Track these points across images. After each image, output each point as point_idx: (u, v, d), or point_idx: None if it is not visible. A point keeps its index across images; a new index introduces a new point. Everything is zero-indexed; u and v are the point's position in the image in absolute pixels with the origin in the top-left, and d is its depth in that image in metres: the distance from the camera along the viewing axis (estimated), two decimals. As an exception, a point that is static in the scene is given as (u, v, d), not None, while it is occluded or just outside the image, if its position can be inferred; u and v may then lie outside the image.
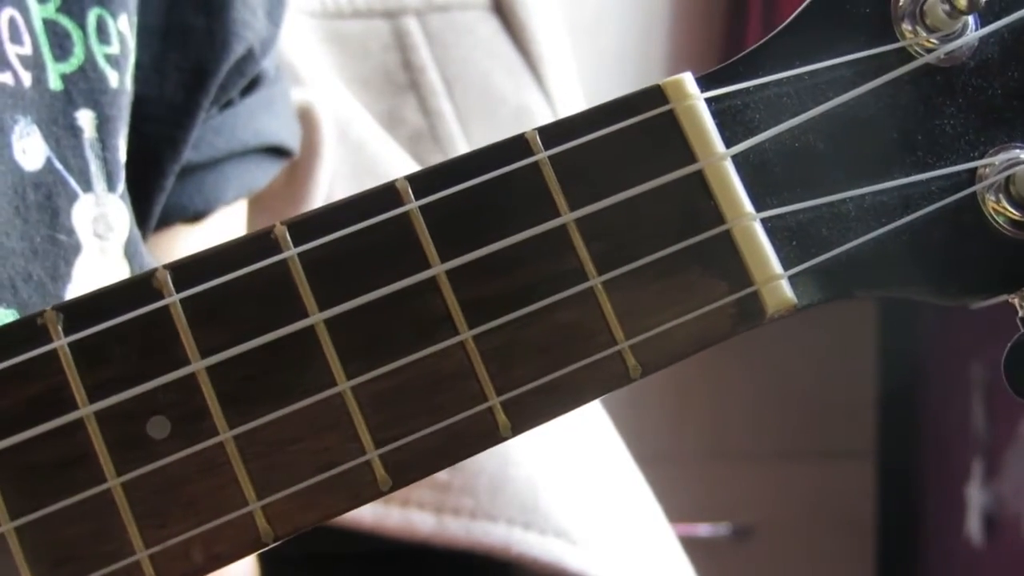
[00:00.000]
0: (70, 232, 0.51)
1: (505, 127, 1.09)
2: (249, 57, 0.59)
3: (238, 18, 0.58)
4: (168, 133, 0.56)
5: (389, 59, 1.07)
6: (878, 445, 1.96)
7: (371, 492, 0.33)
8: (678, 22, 1.46)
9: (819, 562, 1.95)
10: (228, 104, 0.62)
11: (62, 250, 0.50)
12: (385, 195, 0.34)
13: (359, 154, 0.97)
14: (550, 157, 0.34)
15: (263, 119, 0.63)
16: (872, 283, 0.35)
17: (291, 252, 0.33)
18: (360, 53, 1.06)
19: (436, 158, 1.04)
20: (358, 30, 1.06)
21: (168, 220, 0.58)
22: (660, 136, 0.35)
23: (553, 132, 0.35)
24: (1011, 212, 0.36)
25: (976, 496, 1.83)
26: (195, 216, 0.61)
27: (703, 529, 2.00)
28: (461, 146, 1.06)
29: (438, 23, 1.10)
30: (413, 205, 0.34)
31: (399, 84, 1.07)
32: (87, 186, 0.52)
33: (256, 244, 0.34)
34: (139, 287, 0.33)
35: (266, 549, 0.34)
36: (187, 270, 0.33)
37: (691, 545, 0.85)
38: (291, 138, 0.67)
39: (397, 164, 1.02)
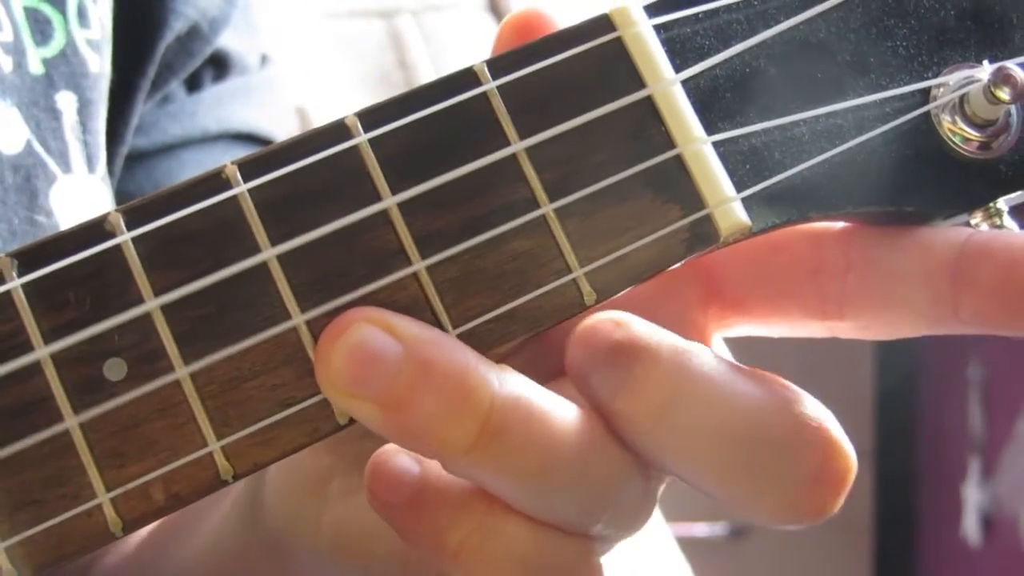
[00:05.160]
0: (49, 213, 0.51)
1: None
2: (194, 35, 0.59)
3: None
4: (107, 116, 0.56)
5: (385, 59, 1.07)
6: (875, 445, 1.95)
7: (329, 426, 0.33)
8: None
9: (815, 561, 1.94)
10: (196, 90, 0.62)
11: (41, 231, 0.51)
12: (335, 130, 0.34)
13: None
14: (498, 87, 0.34)
15: (233, 107, 0.63)
16: (827, 205, 0.35)
17: (241, 188, 0.33)
18: (356, 53, 1.06)
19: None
20: (354, 30, 1.07)
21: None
22: (608, 63, 0.35)
23: (501, 63, 0.35)
24: (967, 132, 0.36)
25: (973, 496, 1.83)
26: None
27: (700, 529, 1.99)
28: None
29: (433, 22, 1.10)
30: (362, 138, 0.34)
31: (395, 83, 1.07)
32: (67, 168, 0.52)
33: (207, 183, 0.34)
34: (92, 230, 0.33)
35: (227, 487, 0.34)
36: (139, 211, 0.33)
37: (688, 545, 0.85)
38: (275, 128, 0.66)
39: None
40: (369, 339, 0.32)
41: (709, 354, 0.35)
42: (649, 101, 0.35)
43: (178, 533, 0.51)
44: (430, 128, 0.34)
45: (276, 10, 0.98)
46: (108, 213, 0.33)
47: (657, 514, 0.79)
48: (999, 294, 0.34)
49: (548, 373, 0.38)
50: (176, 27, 0.58)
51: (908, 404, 1.96)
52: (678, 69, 0.35)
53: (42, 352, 0.32)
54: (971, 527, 1.80)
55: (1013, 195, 0.36)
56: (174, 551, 0.51)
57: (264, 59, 0.67)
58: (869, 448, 1.93)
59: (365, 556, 0.40)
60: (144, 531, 0.55)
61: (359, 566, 0.41)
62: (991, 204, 0.36)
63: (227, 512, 0.46)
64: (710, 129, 0.35)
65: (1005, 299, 0.34)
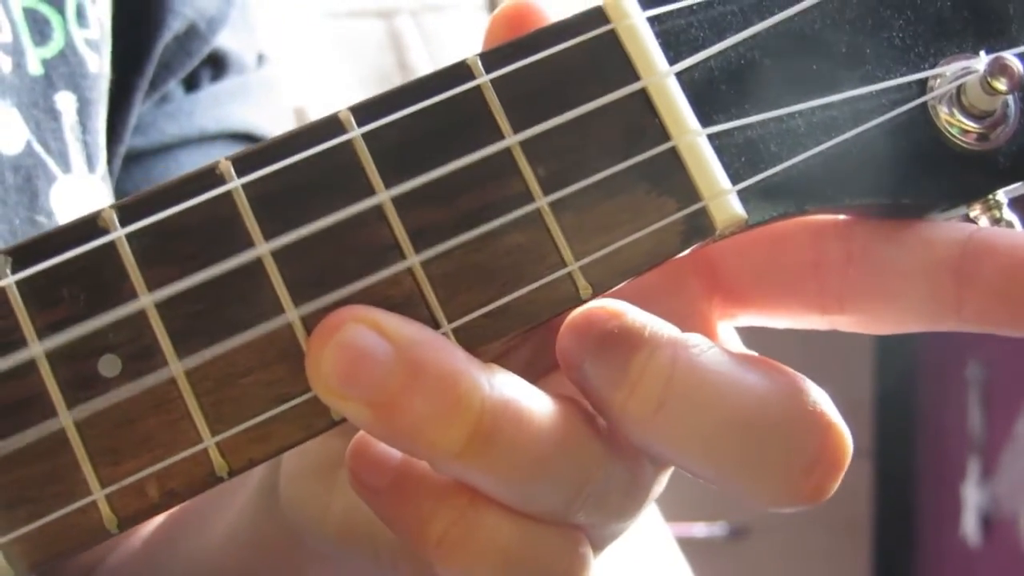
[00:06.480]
0: (49, 214, 0.51)
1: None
2: (192, 35, 0.59)
3: None
4: (106, 115, 0.56)
5: (384, 59, 1.07)
6: (875, 444, 1.94)
7: (324, 422, 0.33)
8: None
9: (815, 561, 1.94)
10: (194, 89, 0.62)
11: (41, 232, 0.51)
12: (328, 125, 0.34)
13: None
14: (492, 80, 0.34)
15: (231, 106, 0.63)
16: (824, 197, 0.35)
17: (235, 183, 0.33)
18: (355, 53, 1.06)
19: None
20: (353, 31, 1.06)
21: None
22: (602, 56, 0.35)
23: (495, 57, 0.34)
24: (964, 123, 0.36)
25: (972, 495, 1.82)
26: None
27: (699, 529, 1.99)
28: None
29: (433, 22, 1.10)
30: (356, 133, 0.34)
31: (394, 84, 1.07)
32: (66, 168, 0.52)
33: (201, 179, 0.34)
34: (85, 226, 0.33)
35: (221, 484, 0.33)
36: (133, 208, 0.33)
37: (688, 545, 0.84)
38: (273, 128, 0.66)
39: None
40: (359, 340, 0.32)
41: (706, 343, 0.34)
42: (643, 94, 0.34)
43: (187, 528, 0.51)
44: (424, 122, 0.34)
45: (275, 10, 0.98)
46: (102, 209, 0.33)
47: (657, 514, 0.79)
48: (1003, 294, 0.34)
49: (553, 365, 0.38)
50: (174, 27, 0.58)
51: (908, 404, 1.96)
52: (672, 61, 0.35)
53: (36, 349, 0.32)
54: (971, 527, 1.81)
55: (1012, 186, 0.36)
56: (183, 547, 0.50)
57: (261, 58, 0.67)
58: (869, 448, 1.92)
59: (372, 543, 0.40)
60: (151, 527, 0.55)
61: (367, 553, 0.41)
62: (990, 196, 0.36)
63: (244, 503, 0.46)
64: (705, 121, 0.35)
65: (1009, 299, 0.34)
